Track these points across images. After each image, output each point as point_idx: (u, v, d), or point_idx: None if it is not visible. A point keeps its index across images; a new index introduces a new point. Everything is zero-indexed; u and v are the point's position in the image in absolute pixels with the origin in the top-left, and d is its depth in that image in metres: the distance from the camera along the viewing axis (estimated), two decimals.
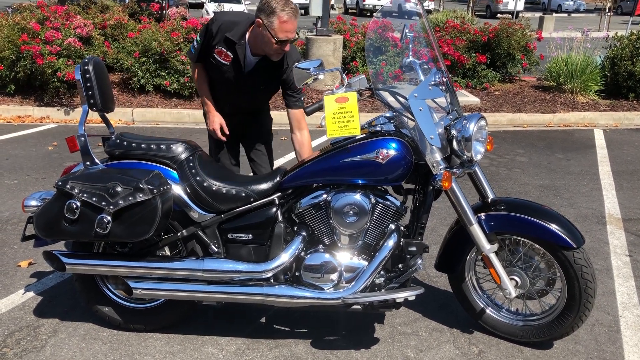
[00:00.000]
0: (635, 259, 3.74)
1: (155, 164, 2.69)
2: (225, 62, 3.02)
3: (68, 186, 2.48)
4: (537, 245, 2.65)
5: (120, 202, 2.44)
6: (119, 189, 2.45)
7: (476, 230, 2.59)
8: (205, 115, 3.26)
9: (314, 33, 8.54)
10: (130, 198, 2.44)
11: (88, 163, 2.68)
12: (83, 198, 2.47)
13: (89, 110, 2.67)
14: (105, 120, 2.83)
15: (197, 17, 8.73)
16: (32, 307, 3.09)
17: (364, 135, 2.58)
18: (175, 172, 2.68)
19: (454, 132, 2.50)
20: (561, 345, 2.80)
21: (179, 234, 2.71)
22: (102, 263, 2.68)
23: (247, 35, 2.97)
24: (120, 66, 7.80)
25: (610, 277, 3.49)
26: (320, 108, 2.58)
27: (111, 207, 2.44)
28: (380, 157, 2.50)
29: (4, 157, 5.75)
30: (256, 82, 3.10)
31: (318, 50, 7.94)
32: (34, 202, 2.74)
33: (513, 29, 8.81)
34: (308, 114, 2.61)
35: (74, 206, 2.47)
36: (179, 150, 2.71)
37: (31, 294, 3.22)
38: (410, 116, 2.52)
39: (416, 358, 2.71)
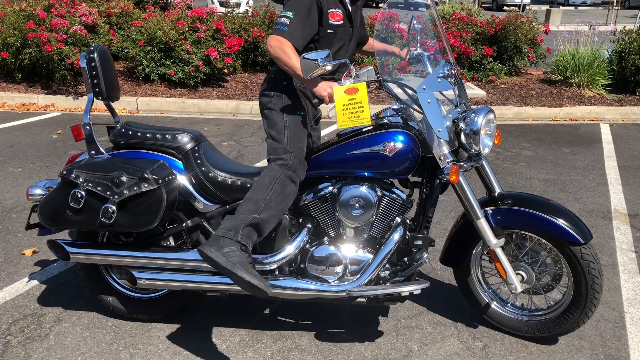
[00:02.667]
0: None
1: (161, 154, 2.67)
2: (338, 22, 2.68)
3: (73, 175, 2.48)
4: (543, 240, 2.63)
5: (125, 191, 2.43)
6: (124, 178, 2.44)
7: (482, 225, 2.57)
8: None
9: None
10: (136, 188, 2.43)
11: (93, 152, 2.67)
12: (88, 187, 2.46)
13: (94, 98, 2.66)
14: (111, 109, 2.81)
15: (202, 6, 8.67)
16: (36, 295, 3.10)
17: (371, 127, 2.55)
18: (180, 162, 2.67)
19: (462, 125, 2.47)
20: (566, 341, 2.79)
21: (184, 224, 2.70)
22: (107, 253, 2.68)
23: None
24: (125, 55, 7.78)
25: (616, 273, 3.47)
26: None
27: (116, 196, 2.43)
28: (388, 149, 2.47)
29: (9, 145, 5.74)
30: (358, 21, 2.83)
31: None
32: (38, 191, 2.74)
33: (520, 22, 8.73)
34: (315, 106, 2.58)
35: (79, 195, 2.46)
36: (185, 140, 2.69)
37: (35, 282, 3.22)
38: (418, 108, 2.50)
39: (420, 351, 2.70)
